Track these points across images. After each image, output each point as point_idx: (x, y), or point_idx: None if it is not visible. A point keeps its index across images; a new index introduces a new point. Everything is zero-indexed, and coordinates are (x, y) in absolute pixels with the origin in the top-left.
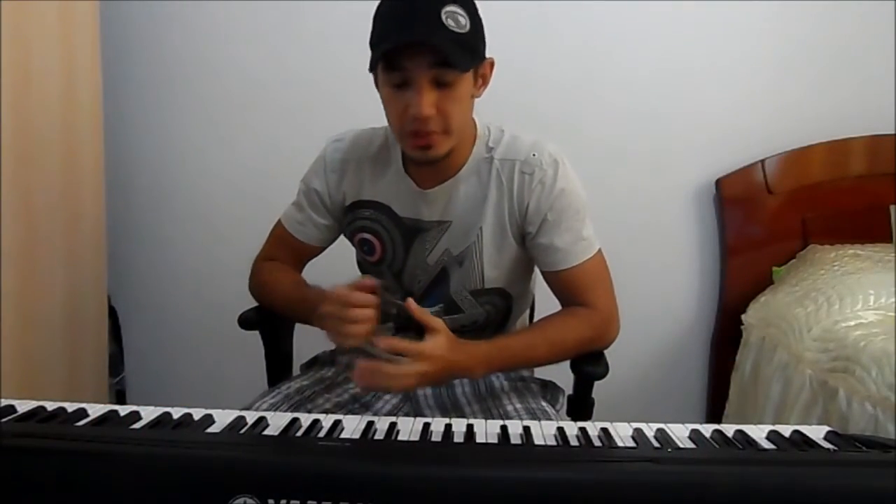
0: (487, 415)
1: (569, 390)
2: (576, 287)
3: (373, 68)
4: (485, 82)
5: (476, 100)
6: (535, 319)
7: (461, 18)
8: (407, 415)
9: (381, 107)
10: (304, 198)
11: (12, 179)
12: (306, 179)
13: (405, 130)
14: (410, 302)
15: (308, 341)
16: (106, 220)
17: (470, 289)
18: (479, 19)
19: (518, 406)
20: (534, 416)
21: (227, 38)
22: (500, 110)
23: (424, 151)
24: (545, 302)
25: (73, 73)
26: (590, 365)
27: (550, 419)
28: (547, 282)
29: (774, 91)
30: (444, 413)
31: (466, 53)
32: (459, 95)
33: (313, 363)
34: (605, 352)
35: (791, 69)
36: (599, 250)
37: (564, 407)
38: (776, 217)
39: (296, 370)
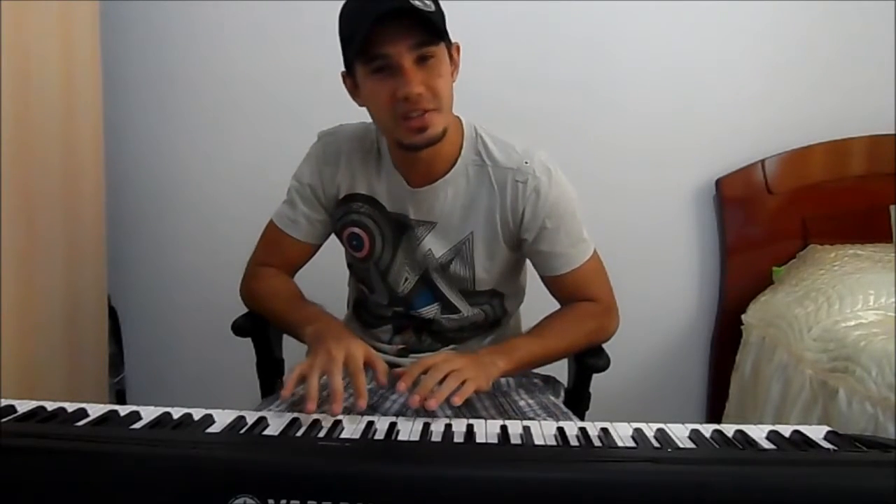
0: (500, 410)
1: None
2: (579, 286)
3: (349, 64)
4: (456, 67)
5: (475, 100)
6: (523, 313)
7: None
8: (417, 413)
9: None
10: (296, 194)
11: (12, 179)
12: (298, 176)
13: (397, 116)
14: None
15: (298, 347)
16: (106, 220)
17: (460, 289)
18: (440, 4)
19: (531, 402)
20: (546, 411)
21: (227, 37)
22: (499, 110)
23: (421, 133)
24: (538, 298)
25: (73, 73)
26: (592, 357)
27: (563, 413)
28: (547, 285)
29: (774, 91)
30: (455, 410)
31: (440, 27)
32: (442, 71)
33: None
34: (606, 350)
35: (791, 69)
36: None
37: (562, 400)
38: (776, 217)
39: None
